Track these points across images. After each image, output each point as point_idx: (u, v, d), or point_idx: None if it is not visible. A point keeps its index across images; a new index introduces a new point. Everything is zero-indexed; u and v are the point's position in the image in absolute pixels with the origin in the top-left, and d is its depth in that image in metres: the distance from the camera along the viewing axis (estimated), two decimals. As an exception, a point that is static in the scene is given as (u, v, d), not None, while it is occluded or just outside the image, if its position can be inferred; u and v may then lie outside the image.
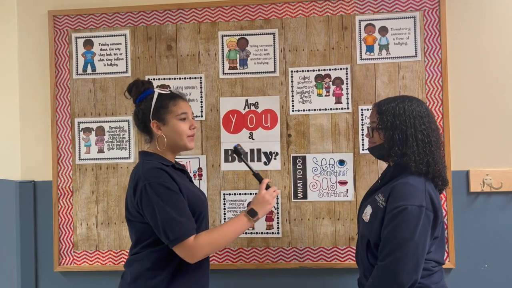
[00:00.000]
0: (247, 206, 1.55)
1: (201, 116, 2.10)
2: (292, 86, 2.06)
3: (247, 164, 1.62)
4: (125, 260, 1.50)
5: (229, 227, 1.44)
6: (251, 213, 1.47)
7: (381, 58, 2.03)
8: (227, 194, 2.07)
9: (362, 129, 2.03)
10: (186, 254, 1.37)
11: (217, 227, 1.44)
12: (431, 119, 1.42)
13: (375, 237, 1.38)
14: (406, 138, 1.38)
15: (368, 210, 1.44)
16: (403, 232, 1.28)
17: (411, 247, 1.28)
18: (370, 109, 2.00)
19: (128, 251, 1.55)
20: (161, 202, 1.36)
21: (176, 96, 1.53)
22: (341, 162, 2.04)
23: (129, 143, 2.12)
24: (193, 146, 1.54)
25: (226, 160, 2.08)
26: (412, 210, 1.29)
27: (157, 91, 1.50)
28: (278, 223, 2.06)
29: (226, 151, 2.08)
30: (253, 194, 2.06)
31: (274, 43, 2.07)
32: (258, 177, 1.58)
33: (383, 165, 1.99)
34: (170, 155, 1.53)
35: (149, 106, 1.48)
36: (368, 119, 2.01)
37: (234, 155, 1.61)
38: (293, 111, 2.06)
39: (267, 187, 1.54)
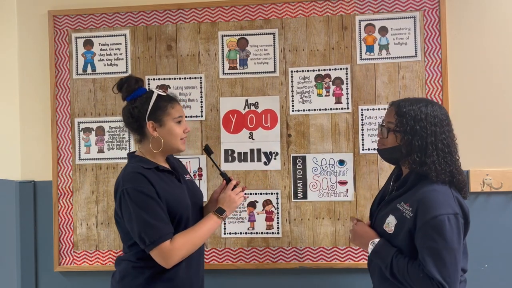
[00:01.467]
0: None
1: (201, 116, 2.10)
2: (292, 86, 2.06)
3: (215, 164, 1.65)
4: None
5: (202, 227, 1.46)
6: (219, 211, 1.50)
7: (381, 58, 2.03)
8: (227, 194, 2.07)
9: (362, 129, 2.03)
10: (162, 258, 1.38)
11: (191, 229, 1.46)
12: (450, 128, 1.36)
13: (405, 251, 1.33)
14: (426, 146, 1.31)
15: (391, 220, 1.37)
16: (448, 244, 1.24)
17: (458, 258, 1.25)
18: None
19: None
20: (137, 207, 1.37)
21: (173, 99, 1.53)
22: (341, 162, 2.04)
23: (129, 143, 2.12)
24: (185, 148, 1.56)
25: (226, 160, 2.08)
26: (450, 219, 1.25)
27: (156, 92, 1.49)
28: (278, 223, 2.06)
29: (226, 151, 2.08)
30: (253, 194, 2.06)
31: (274, 43, 2.07)
32: (225, 177, 1.61)
33: (383, 165, 1.99)
34: (160, 156, 1.53)
35: (146, 106, 1.46)
36: (368, 120, 2.02)
37: (205, 153, 1.64)
38: (293, 111, 2.06)
39: (234, 186, 1.57)
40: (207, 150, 1.63)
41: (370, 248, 1.40)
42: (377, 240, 1.40)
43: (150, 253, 1.38)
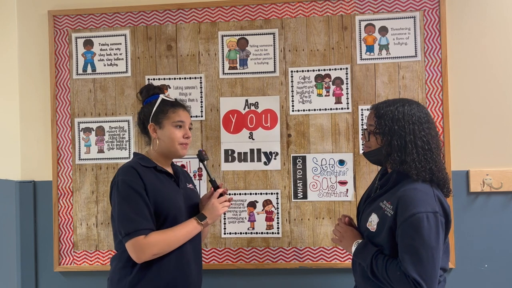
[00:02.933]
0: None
1: (201, 116, 2.10)
2: (292, 86, 2.06)
3: (206, 170, 1.65)
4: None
5: (180, 230, 1.48)
6: (200, 217, 1.53)
7: (381, 58, 2.03)
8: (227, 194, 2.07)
9: (362, 129, 2.03)
10: (134, 251, 1.41)
11: (169, 229, 1.48)
12: (431, 125, 1.37)
13: (387, 249, 1.34)
14: (405, 144, 1.33)
15: (374, 218, 1.39)
16: (425, 242, 1.24)
17: (436, 257, 1.25)
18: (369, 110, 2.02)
19: None
20: (121, 199, 1.43)
21: (178, 104, 1.60)
22: (341, 162, 2.04)
23: (129, 143, 2.12)
24: (185, 154, 1.59)
25: (226, 160, 2.08)
26: (429, 217, 1.25)
27: (161, 96, 1.58)
28: (278, 223, 2.06)
29: (226, 151, 2.08)
30: (252, 194, 2.06)
31: (274, 43, 2.07)
32: (214, 184, 1.62)
33: (383, 165, 2.00)
34: (163, 160, 1.58)
35: (151, 109, 1.57)
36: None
37: (200, 159, 1.66)
38: (293, 111, 2.06)
39: (221, 195, 1.59)
40: (200, 157, 1.64)
41: (353, 248, 1.43)
42: (360, 240, 1.43)
43: (125, 245, 1.43)
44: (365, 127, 1.48)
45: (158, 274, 1.46)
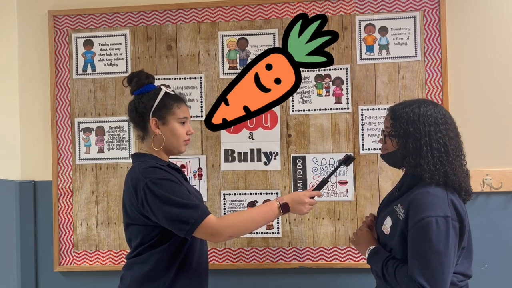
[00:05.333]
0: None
1: (201, 116, 2.10)
2: (292, 86, 2.06)
3: (333, 172, 1.59)
4: (125, 261, 1.50)
5: (259, 214, 1.41)
6: (284, 208, 1.44)
7: (381, 58, 2.03)
8: (227, 194, 2.07)
9: (362, 129, 2.03)
10: (210, 233, 1.34)
11: (245, 211, 1.43)
12: (449, 126, 1.32)
13: (399, 253, 1.33)
14: (420, 147, 1.30)
15: (388, 222, 1.38)
16: (433, 246, 1.22)
17: (445, 262, 1.23)
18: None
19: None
20: (168, 194, 1.34)
21: (181, 99, 1.52)
22: (341, 162, 2.04)
23: (129, 143, 2.12)
24: (185, 150, 1.54)
25: (226, 160, 2.08)
26: (438, 222, 1.23)
27: (164, 89, 1.49)
28: (278, 223, 2.06)
29: (226, 151, 2.08)
30: (252, 194, 2.06)
31: (274, 43, 2.07)
32: (322, 185, 1.57)
33: (383, 166, 1.99)
34: (163, 155, 1.51)
35: (152, 102, 1.45)
36: (368, 120, 2.02)
37: (344, 161, 1.59)
38: (293, 111, 2.06)
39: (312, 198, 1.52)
40: (350, 160, 1.58)
41: (367, 253, 1.44)
42: (373, 246, 1.43)
43: (195, 233, 1.34)
44: (383, 129, 1.47)
45: (191, 274, 1.44)
